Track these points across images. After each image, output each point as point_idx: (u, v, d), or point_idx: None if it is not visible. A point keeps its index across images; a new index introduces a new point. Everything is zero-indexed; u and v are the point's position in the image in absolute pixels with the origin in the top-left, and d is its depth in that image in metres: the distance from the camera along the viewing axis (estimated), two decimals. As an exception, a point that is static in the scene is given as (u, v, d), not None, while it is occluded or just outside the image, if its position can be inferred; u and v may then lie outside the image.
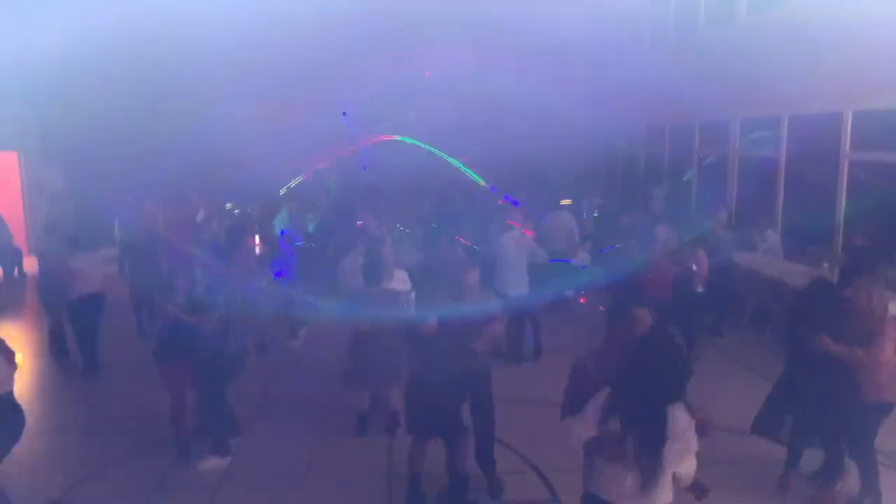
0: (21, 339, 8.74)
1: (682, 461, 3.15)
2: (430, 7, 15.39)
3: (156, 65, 15.13)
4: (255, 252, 7.83)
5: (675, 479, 3.30)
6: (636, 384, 3.15)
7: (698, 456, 3.23)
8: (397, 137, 15.19)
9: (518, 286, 7.57)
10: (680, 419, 3.12)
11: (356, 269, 6.34)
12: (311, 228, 9.50)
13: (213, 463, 5.39)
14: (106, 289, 7.73)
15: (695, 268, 7.42)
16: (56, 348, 8.00)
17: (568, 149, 16.88)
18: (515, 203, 9.08)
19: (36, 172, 14.62)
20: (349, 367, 5.82)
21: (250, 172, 13.63)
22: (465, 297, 4.88)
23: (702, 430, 3.27)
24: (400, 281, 6.15)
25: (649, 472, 3.09)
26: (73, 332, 7.62)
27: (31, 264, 12.32)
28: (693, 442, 3.15)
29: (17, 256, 12.47)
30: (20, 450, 4.67)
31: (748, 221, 9.98)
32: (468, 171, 13.53)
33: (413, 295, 6.04)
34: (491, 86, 16.31)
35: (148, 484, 5.15)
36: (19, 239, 13.19)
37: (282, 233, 9.45)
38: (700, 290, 7.41)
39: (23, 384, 7.19)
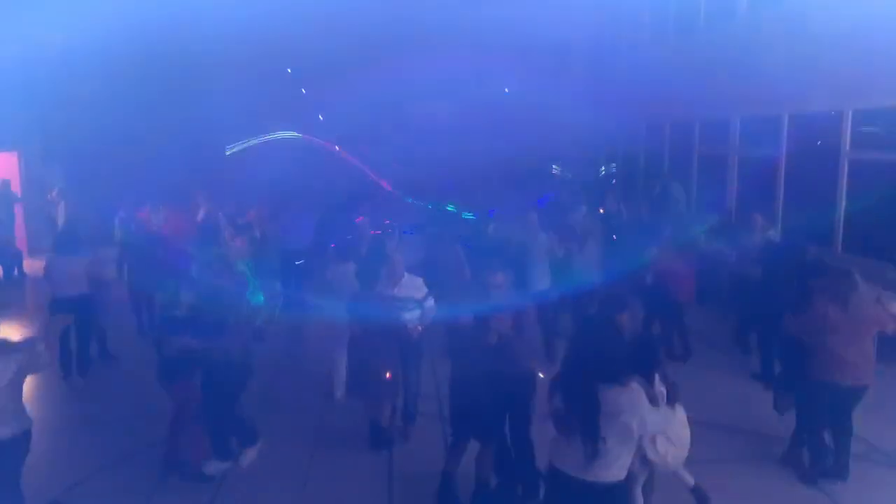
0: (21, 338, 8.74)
1: (626, 440, 3.36)
2: (429, 8, 15.39)
3: (156, 64, 15.14)
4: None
5: (649, 460, 3.70)
6: (569, 363, 3.55)
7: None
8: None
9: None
10: (617, 400, 3.33)
11: (347, 275, 6.17)
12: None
13: (215, 467, 5.26)
14: (97, 289, 7.56)
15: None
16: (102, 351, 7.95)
17: (568, 148, 16.90)
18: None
19: (36, 172, 14.62)
20: (348, 377, 5.69)
21: (250, 173, 13.62)
22: (491, 298, 4.80)
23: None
24: (414, 287, 5.78)
25: (586, 445, 3.33)
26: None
27: (30, 264, 12.35)
28: (646, 423, 3.38)
29: (17, 257, 12.47)
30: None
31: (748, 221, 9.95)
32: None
33: (431, 302, 5.66)
34: (490, 86, 16.32)
35: (148, 484, 5.14)
36: (19, 239, 13.20)
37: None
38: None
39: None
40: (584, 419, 3.35)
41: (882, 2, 7.83)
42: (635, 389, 3.40)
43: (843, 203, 8.69)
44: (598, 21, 16.53)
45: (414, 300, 5.61)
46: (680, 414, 4.19)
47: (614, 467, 3.40)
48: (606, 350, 3.45)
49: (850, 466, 5.11)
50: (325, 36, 15.83)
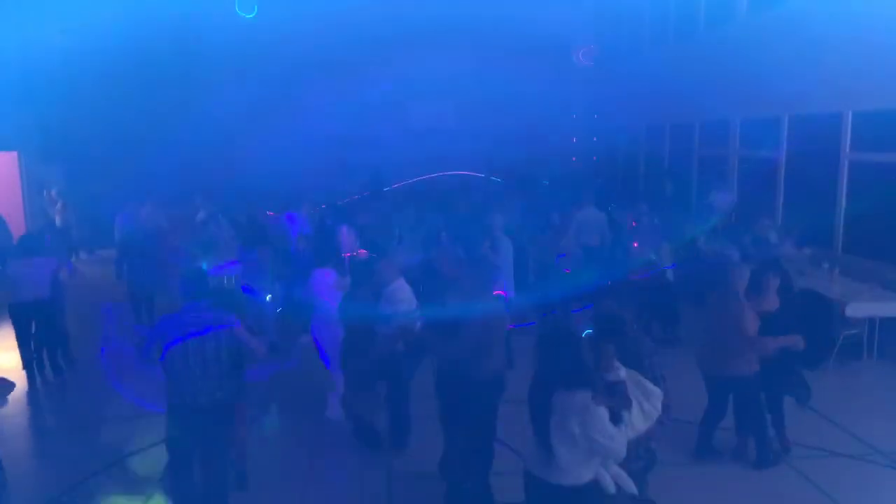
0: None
1: (572, 447, 3.32)
2: (429, 7, 15.40)
3: (156, 65, 15.14)
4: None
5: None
6: (536, 367, 3.61)
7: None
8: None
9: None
10: (564, 405, 3.34)
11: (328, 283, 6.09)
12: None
13: None
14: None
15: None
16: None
17: (570, 148, 16.91)
18: None
19: (36, 172, 14.60)
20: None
21: (248, 173, 13.64)
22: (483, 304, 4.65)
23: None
24: (404, 299, 5.47)
25: (538, 446, 3.43)
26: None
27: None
28: (588, 430, 3.29)
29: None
30: (20, 449, 4.65)
31: (748, 221, 9.95)
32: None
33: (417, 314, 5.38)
34: (492, 86, 16.32)
35: (148, 484, 5.13)
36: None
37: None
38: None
39: (21, 384, 7.22)
40: (534, 421, 3.49)
41: (882, 2, 7.83)
42: (584, 398, 3.35)
43: (844, 203, 8.69)
44: (598, 22, 16.56)
45: (409, 310, 5.39)
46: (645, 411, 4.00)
47: (570, 472, 3.39)
48: (560, 355, 3.47)
49: (768, 456, 5.24)
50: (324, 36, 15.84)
